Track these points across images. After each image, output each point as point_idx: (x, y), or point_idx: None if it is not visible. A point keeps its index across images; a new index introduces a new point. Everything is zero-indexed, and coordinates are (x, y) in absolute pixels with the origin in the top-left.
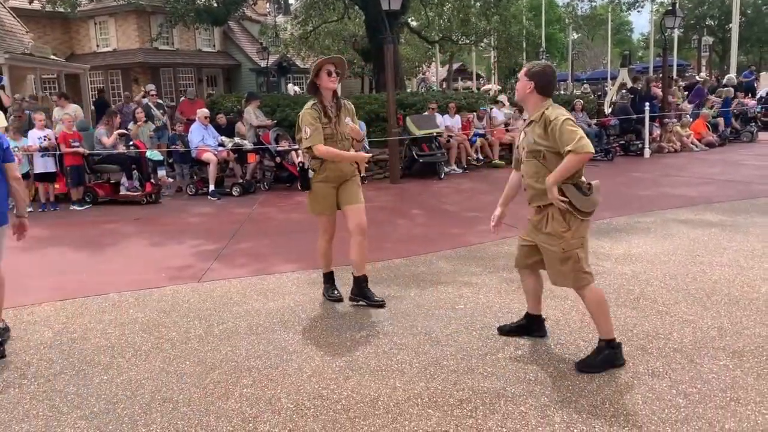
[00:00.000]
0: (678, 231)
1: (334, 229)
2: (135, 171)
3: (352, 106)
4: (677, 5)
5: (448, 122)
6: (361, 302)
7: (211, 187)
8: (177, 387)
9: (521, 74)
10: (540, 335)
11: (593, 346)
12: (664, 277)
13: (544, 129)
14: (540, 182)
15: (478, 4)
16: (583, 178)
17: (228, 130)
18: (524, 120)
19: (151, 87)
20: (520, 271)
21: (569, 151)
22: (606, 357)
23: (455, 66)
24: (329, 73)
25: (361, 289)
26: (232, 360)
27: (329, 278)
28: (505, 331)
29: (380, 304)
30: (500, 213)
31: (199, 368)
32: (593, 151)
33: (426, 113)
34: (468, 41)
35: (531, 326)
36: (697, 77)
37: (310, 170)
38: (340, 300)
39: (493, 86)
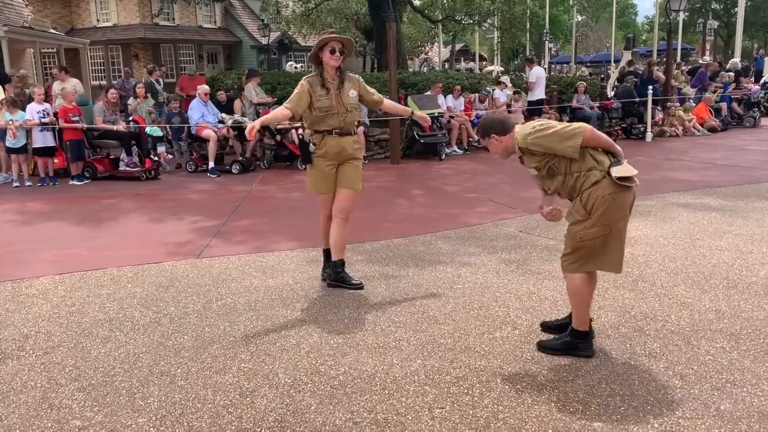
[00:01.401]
0: (678, 214)
1: (330, 209)
2: (134, 147)
3: (359, 77)
4: None
5: (451, 103)
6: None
7: (211, 164)
8: (175, 361)
9: (483, 143)
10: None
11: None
12: (663, 259)
13: (531, 154)
14: (565, 186)
15: None
16: (597, 160)
17: (228, 107)
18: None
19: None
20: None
21: (561, 150)
22: (566, 343)
23: (458, 46)
24: (332, 51)
25: (336, 274)
26: (230, 335)
27: (328, 255)
28: (546, 327)
29: (358, 287)
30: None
31: (197, 343)
32: (585, 127)
33: (429, 93)
34: (471, 21)
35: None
36: (700, 61)
37: (311, 144)
38: (329, 284)
39: (496, 67)
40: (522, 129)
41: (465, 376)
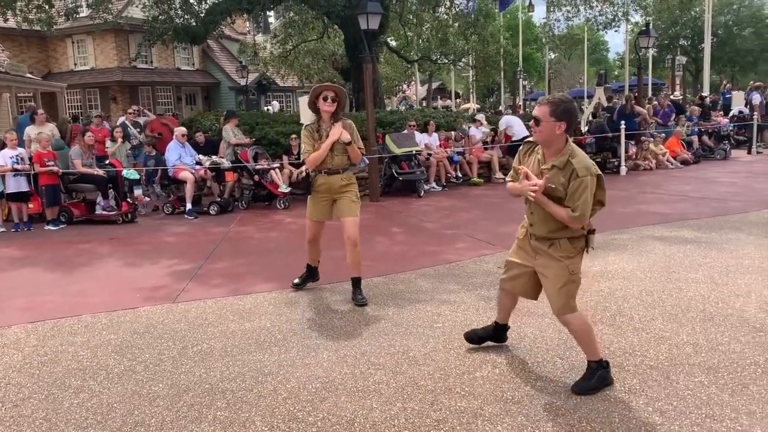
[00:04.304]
0: (654, 248)
1: (314, 235)
2: (111, 190)
3: (351, 123)
4: (651, 25)
5: (427, 140)
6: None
7: (188, 206)
8: (149, 410)
9: (543, 113)
10: (502, 341)
11: (570, 364)
12: (641, 293)
13: (568, 180)
14: (552, 223)
15: (456, 24)
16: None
17: (206, 148)
18: (527, 149)
19: (134, 108)
20: (504, 289)
21: (572, 210)
22: (600, 377)
23: (434, 85)
24: (325, 98)
25: (356, 288)
26: (206, 382)
27: (307, 268)
28: (470, 338)
29: (359, 303)
30: None
31: (172, 391)
32: (579, 226)
33: (405, 131)
34: (446, 61)
35: (498, 335)
36: (671, 96)
37: (311, 178)
38: (295, 287)
39: (472, 105)
40: (584, 159)
41: (445, 418)
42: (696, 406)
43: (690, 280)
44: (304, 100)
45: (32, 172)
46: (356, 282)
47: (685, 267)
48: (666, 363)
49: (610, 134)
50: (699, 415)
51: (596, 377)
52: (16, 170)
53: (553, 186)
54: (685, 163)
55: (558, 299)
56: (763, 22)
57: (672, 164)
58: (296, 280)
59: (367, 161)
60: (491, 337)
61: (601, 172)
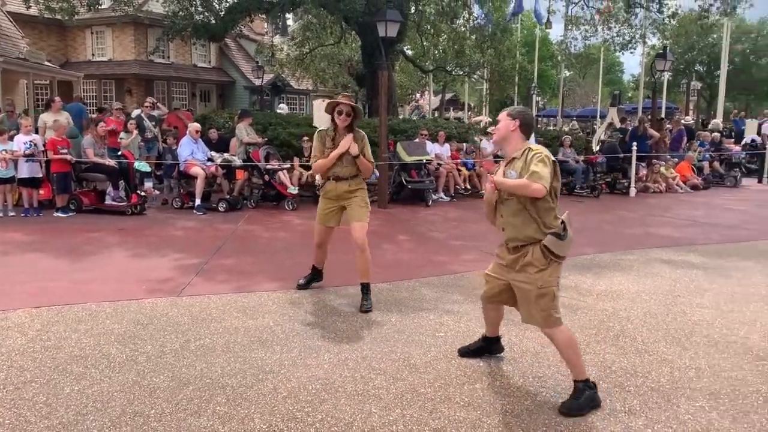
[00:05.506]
0: (660, 270)
1: (322, 239)
2: (122, 181)
3: (364, 135)
4: (668, 49)
5: (438, 150)
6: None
7: (197, 202)
8: (149, 401)
9: (503, 116)
10: (498, 353)
11: (572, 381)
12: (645, 315)
13: (526, 161)
14: (520, 220)
15: (473, 36)
16: (558, 216)
17: (219, 146)
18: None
19: (151, 100)
20: (485, 304)
21: (530, 175)
22: (588, 397)
23: (448, 96)
24: (339, 112)
25: (363, 294)
26: (207, 377)
27: (312, 269)
28: (464, 353)
29: (363, 310)
30: None
31: (173, 383)
32: (543, 193)
33: (417, 140)
34: (461, 72)
35: (490, 347)
36: (682, 121)
37: (319, 183)
38: (299, 288)
39: (484, 118)
40: (543, 148)
41: (443, 427)
42: (696, 431)
43: (695, 305)
44: (318, 104)
45: (45, 159)
46: (364, 288)
47: (690, 291)
48: (667, 386)
49: (621, 155)
50: None
51: (584, 397)
52: (27, 156)
53: (513, 172)
54: (694, 188)
55: (537, 314)
56: None
57: (681, 189)
58: (301, 281)
59: (378, 175)
60: (485, 349)
61: (555, 160)
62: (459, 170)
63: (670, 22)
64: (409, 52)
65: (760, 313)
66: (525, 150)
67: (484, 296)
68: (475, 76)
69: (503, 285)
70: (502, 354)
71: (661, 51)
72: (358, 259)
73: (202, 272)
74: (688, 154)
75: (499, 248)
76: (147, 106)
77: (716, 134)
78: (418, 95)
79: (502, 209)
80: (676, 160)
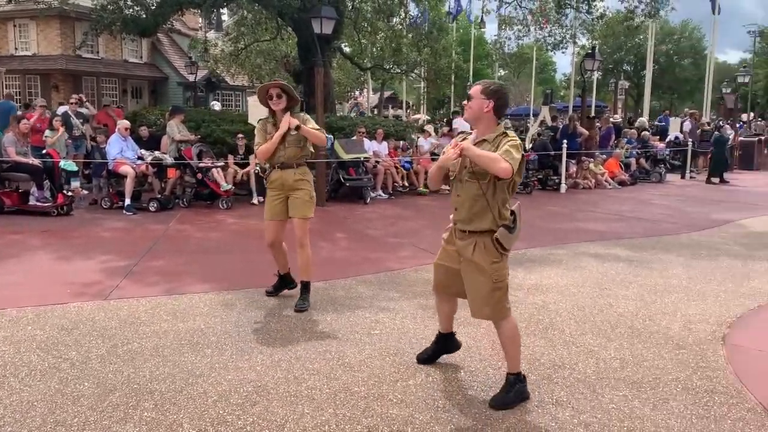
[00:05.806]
0: (588, 264)
1: (273, 236)
2: (47, 181)
3: (305, 115)
4: (596, 49)
5: (376, 147)
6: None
7: (127, 201)
8: (72, 410)
9: (476, 92)
10: (457, 348)
11: (502, 375)
12: (573, 308)
13: (497, 146)
14: (476, 207)
15: (410, 35)
16: (508, 206)
17: (149, 144)
18: (463, 138)
19: (76, 97)
20: (438, 294)
21: (503, 152)
22: (518, 391)
23: (386, 94)
24: (271, 97)
25: (301, 292)
26: (134, 382)
27: (278, 278)
28: (424, 359)
29: (298, 309)
30: None
31: (98, 390)
32: (510, 173)
33: (354, 138)
34: (399, 70)
35: (448, 345)
36: (611, 119)
37: (266, 173)
38: (267, 294)
39: (422, 116)
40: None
41: (376, 425)
42: (619, 420)
43: (620, 297)
44: (253, 101)
45: None
46: (303, 286)
47: (616, 284)
48: (593, 377)
49: (552, 152)
50: (621, 428)
51: (514, 391)
52: None
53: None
54: (622, 184)
55: (488, 307)
56: (701, 53)
57: (610, 184)
58: (269, 289)
59: (333, 140)
60: (442, 350)
61: (524, 153)
62: (396, 168)
63: (598, 22)
64: (347, 50)
65: (680, 303)
66: (499, 134)
67: (435, 287)
68: (413, 75)
69: (454, 273)
70: (455, 352)
71: (590, 51)
72: (299, 256)
73: (131, 274)
74: (615, 151)
75: (447, 233)
76: (73, 103)
77: (645, 132)
78: (357, 93)
79: (459, 188)
80: (605, 156)
